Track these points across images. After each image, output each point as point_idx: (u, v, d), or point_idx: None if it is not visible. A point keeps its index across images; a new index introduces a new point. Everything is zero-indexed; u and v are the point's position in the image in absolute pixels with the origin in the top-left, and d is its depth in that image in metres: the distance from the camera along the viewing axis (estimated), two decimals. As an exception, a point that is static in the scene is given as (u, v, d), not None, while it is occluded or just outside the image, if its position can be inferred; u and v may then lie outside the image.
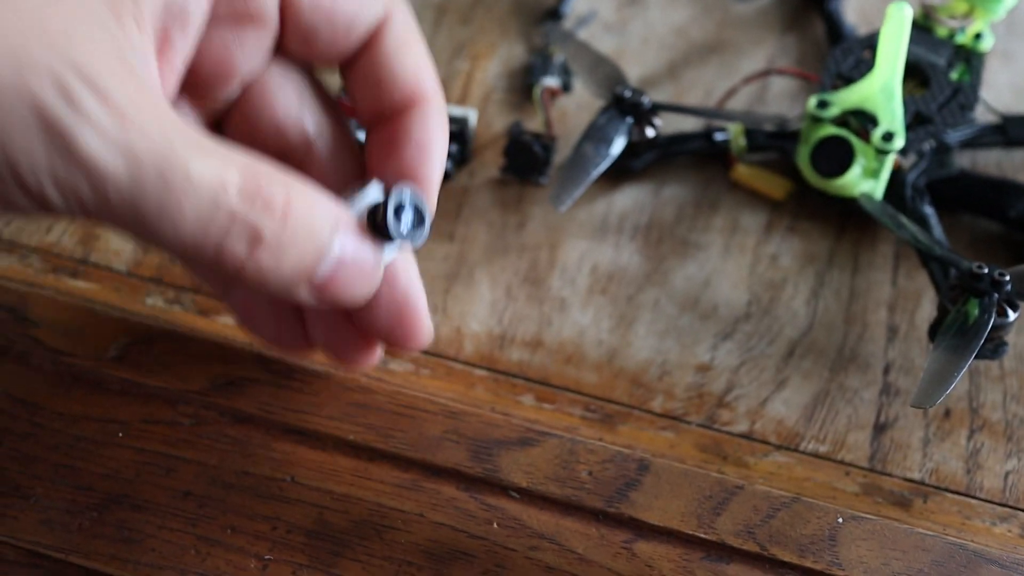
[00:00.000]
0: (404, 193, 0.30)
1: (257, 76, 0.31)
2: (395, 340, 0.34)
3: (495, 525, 0.36)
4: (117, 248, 0.44)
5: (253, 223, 0.25)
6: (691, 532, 0.36)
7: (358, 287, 0.29)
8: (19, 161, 0.22)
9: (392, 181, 0.31)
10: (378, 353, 0.36)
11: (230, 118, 0.32)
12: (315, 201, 0.27)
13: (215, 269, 0.26)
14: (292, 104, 0.32)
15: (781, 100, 0.51)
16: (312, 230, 0.27)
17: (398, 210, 0.30)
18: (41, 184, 0.23)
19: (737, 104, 0.51)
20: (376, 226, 0.30)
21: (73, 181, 0.23)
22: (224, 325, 0.42)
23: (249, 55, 0.30)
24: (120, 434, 0.38)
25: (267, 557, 0.36)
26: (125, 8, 0.24)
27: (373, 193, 0.30)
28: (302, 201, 0.26)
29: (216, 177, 0.24)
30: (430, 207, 0.31)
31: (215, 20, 0.29)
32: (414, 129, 0.31)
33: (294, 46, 0.31)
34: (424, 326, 0.34)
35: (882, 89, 0.43)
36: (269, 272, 0.26)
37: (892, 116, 0.43)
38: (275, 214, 0.25)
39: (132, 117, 0.23)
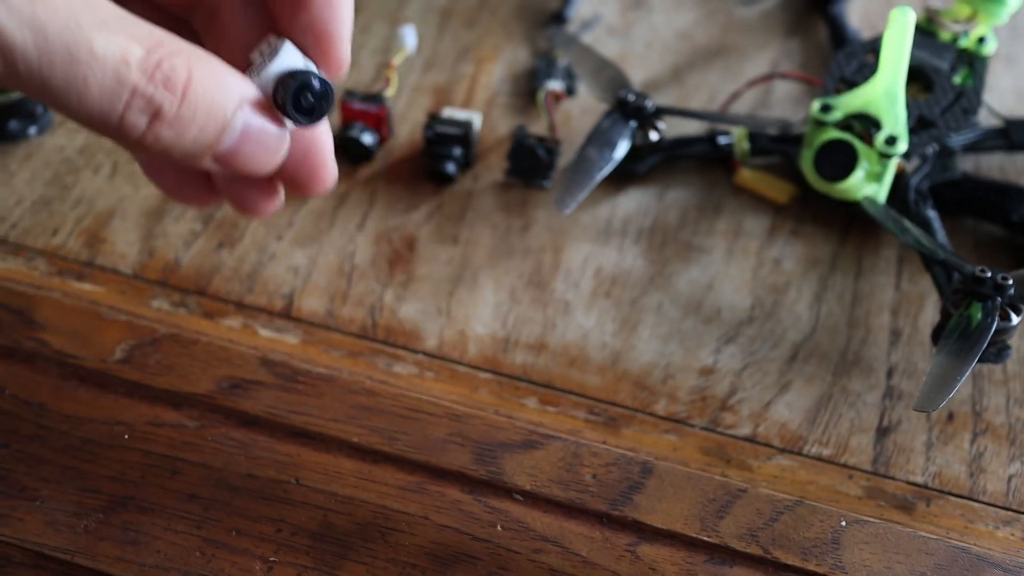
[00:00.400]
0: (307, 75, 0.30)
1: None
2: (299, 184, 0.33)
3: (499, 528, 0.36)
4: (123, 251, 0.44)
5: (153, 98, 0.26)
6: (694, 535, 0.36)
7: (262, 160, 0.30)
8: None
9: (300, 39, 0.31)
10: (280, 198, 0.35)
11: None
12: (218, 77, 0.28)
13: (118, 139, 0.27)
14: None
15: (784, 104, 0.52)
16: (213, 106, 0.28)
17: (301, 89, 0.30)
18: None
19: (741, 108, 0.51)
20: (279, 106, 0.30)
21: None
22: (229, 329, 0.42)
23: None
24: (126, 436, 0.38)
25: (272, 559, 0.36)
26: None
27: (283, 61, 0.30)
28: (204, 77, 0.27)
29: (119, 52, 0.25)
30: (334, 81, 0.31)
31: None
32: None
33: None
34: (329, 168, 0.33)
35: (885, 93, 0.43)
36: (170, 144, 0.27)
37: (895, 120, 0.43)
38: (176, 90, 0.26)
39: None
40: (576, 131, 0.49)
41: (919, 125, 0.46)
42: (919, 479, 0.39)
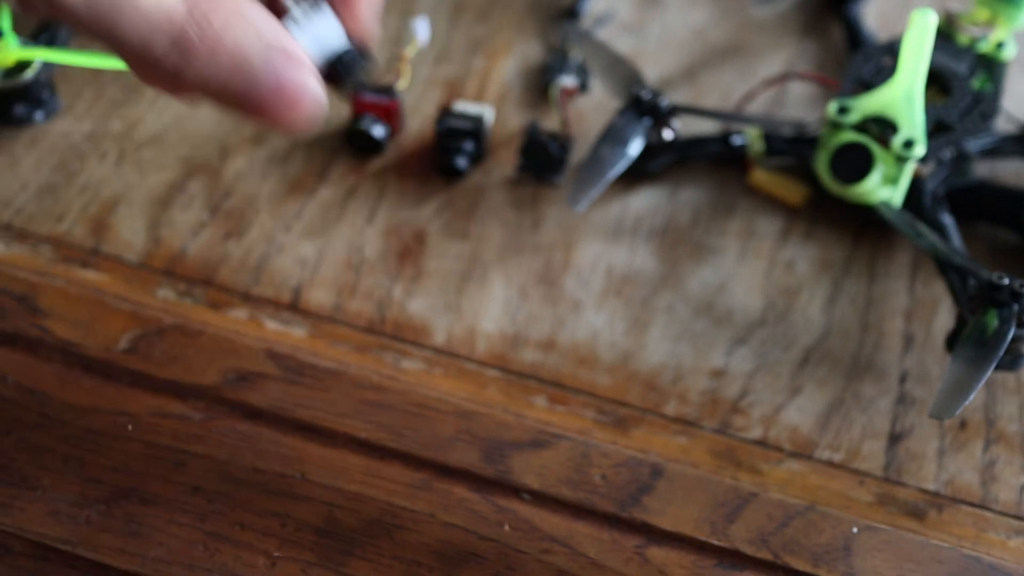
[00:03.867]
0: (352, 53, 0.30)
1: None
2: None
3: (506, 527, 0.36)
4: (129, 239, 0.44)
5: (185, 32, 0.26)
6: (704, 539, 0.36)
7: (292, 111, 0.29)
8: None
9: None
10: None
11: None
12: (249, 21, 0.28)
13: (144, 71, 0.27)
14: None
15: (799, 104, 0.51)
16: (241, 47, 0.27)
17: (346, 59, 0.30)
18: None
19: (755, 108, 0.50)
20: (325, 74, 0.30)
21: None
22: (235, 320, 0.41)
23: None
24: (130, 427, 0.37)
25: (276, 554, 0.35)
26: None
27: (325, 24, 0.30)
28: (236, 20, 0.27)
29: None
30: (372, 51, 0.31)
31: None
32: None
33: None
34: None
35: (904, 96, 0.43)
36: (196, 82, 0.28)
37: (913, 123, 0.43)
38: (207, 26, 0.27)
39: None
40: (589, 127, 0.49)
41: (936, 129, 0.45)
42: (931, 486, 0.39)
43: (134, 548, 0.35)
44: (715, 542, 0.35)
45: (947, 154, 0.45)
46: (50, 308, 0.40)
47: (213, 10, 0.27)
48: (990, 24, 0.47)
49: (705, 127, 0.49)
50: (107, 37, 0.26)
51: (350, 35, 0.31)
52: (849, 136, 0.44)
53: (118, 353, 0.39)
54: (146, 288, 0.42)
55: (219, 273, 0.43)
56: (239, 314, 0.41)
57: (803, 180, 0.47)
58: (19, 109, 0.47)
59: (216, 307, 0.42)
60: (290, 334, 0.41)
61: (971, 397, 0.35)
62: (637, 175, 0.47)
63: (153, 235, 0.44)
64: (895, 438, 0.40)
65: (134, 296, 0.41)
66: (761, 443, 0.40)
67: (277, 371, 0.39)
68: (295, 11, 0.30)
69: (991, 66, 0.47)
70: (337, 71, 0.30)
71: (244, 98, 0.28)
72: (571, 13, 0.53)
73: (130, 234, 0.44)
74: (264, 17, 0.28)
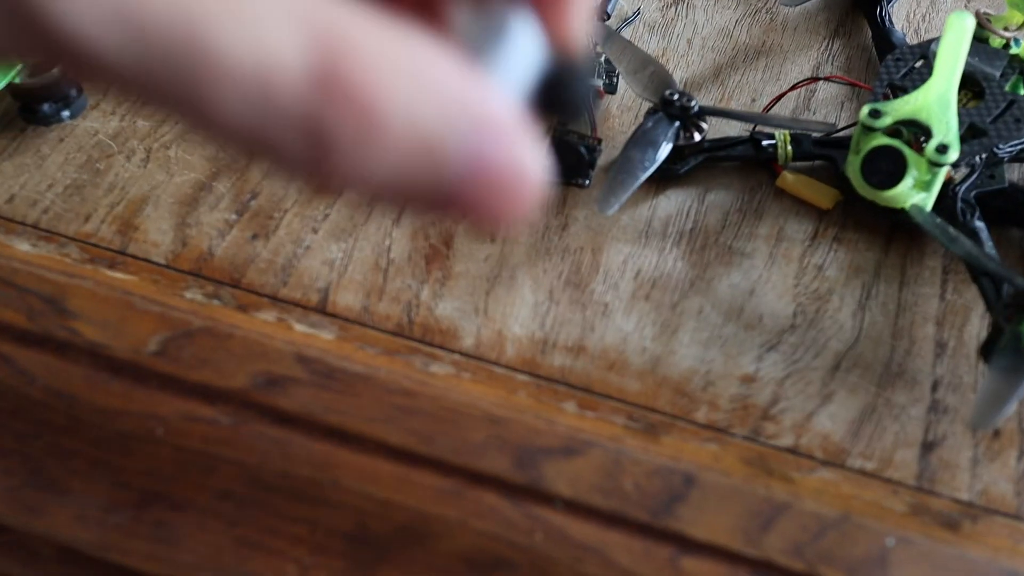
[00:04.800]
0: (571, 70, 0.20)
1: None
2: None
3: (538, 536, 0.36)
4: (156, 239, 0.43)
5: (323, 118, 0.17)
6: (738, 549, 0.35)
7: (502, 205, 0.19)
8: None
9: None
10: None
11: None
12: (427, 82, 0.18)
13: (275, 164, 0.18)
14: None
15: (827, 107, 0.51)
16: (416, 129, 0.18)
17: (566, 83, 0.20)
18: (10, 47, 0.16)
19: (783, 110, 0.50)
20: (548, 109, 0.20)
21: (48, 57, 0.17)
22: (264, 322, 0.41)
23: None
24: (159, 431, 0.37)
25: (306, 561, 0.35)
26: None
27: (526, 47, 0.20)
28: (405, 83, 0.17)
29: (265, 54, 0.16)
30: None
31: None
32: None
33: None
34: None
35: (938, 100, 0.42)
36: (355, 182, 0.18)
37: (947, 128, 0.42)
38: (354, 105, 0.17)
39: None
40: (616, 129, 0.48)
41: (969, 134, 0.45)
42: (965, 496, 0.38)
43: (163, 553, 0.35)
44: (749, 553, 0.35)
45: (979, 159, 0.45)
46: (79, 310, 0.40)
47: (360, 68, 0.17)
48: (1023, 27, 0.47)
49: (733, 129, 0.48)
50: (193, 115, 0.17)
51: (558, 47, 0.21)
52: (882, 140, 0.43)
53: (147, 355, 0.39)
54: (174, 289, 0.42)
55: (247, 274, 0.43)
56: (267, 316, 0.41)
57: (833, 183, 0.47)
58: (46, 107, 0.46)
59: (244, 309, 0.41)
60: (319, 337, 0.41)
61: (1011, 407, 0.35)
62: (666, 177, 0.47)
63: (180, 235, 0.44)
64: (928, 447, 0.40)
65: (162, 298, 0.41)
66: (792, 451, 0.39)
67: (306, 375, 0.38)
68: (473, 29, 0.19)
69: (1024, 70, 0.46)
70: (554, 102, 0.20)
71: (429, 194, 0.18)
72: (599, 13, 0.53)
73: (157, 234, 0.44)
74: (443, 64, 0.18)
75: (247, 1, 0.16)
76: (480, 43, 0.19)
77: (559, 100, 0.20)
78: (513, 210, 0.19)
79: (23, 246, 0.42)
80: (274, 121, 0.17)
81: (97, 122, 0.47)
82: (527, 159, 0.19)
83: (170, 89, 0.16)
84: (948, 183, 0.45)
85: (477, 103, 0.18)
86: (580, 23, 0.21)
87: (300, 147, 0.17)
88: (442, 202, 0.19)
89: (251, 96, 0.16)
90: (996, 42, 0.47)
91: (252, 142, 0.17)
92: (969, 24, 0.41)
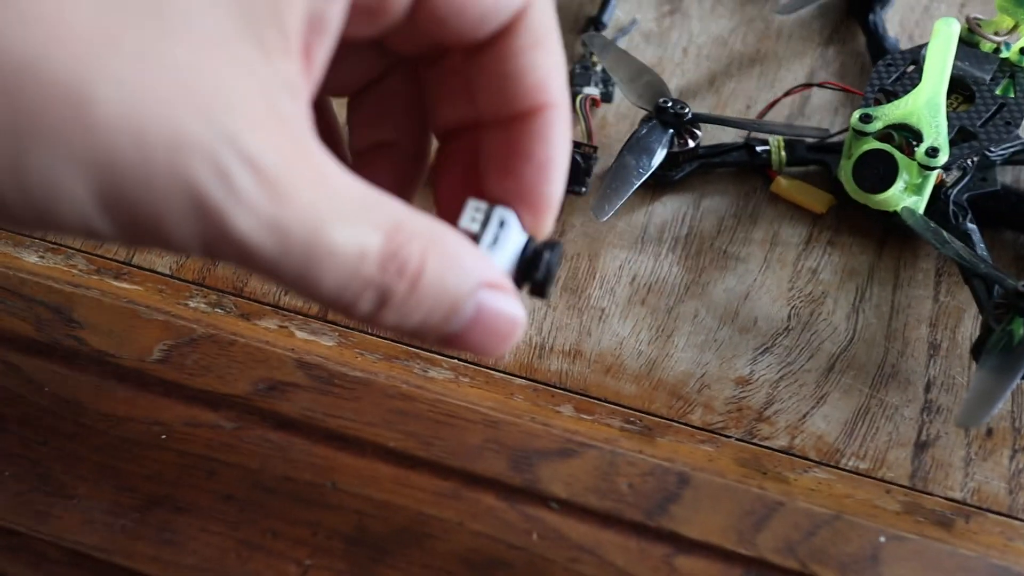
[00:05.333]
0: (551, 252, 0.29)
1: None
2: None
3: (535, 536, 0.36)
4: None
5: (384, 287, 0.25)
6: (731, 548, 0.36)
7: (492, 344, 0.28)
8: (171, 233, 0.22)
9: (510, 201, 0.29)
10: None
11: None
12: (453, 260, 0.26)
13: (338, 312, 0.26)
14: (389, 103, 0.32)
15: (821, 113, 0.51)
16: (443, 292, 0.26)
17: (548, 268, 0.29)
18: (188, 247, 0.23)
19: (777, 116, 0.51)
20: (527, 282, 0.29)
21: (221, 250, 0.23)
22: (265, 330, 0.42)
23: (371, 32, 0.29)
24: (163, 436, 0.38)
25: (307, 562, 0.36)
26: (272, 41, 0.23)
27: (514, 236, 0.29)
28: (438, 261, 0.26)
29: (358, 247, 0.24)
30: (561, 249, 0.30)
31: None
32: (536, 143, 0.29)
33: (416, 36, 0.29)
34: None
35: (927, 104, 0.43)
36: (392, 326, 0.26)
37: (937, 131, 0.43)
38: (407, 277, 0.25)
39: (284, 189, 0.23)
40: (612, 137, 0.49)
41: (960, 137, 0.45)
42: (958, 495, 0.39)
43: (168, 556, 0.36)
44: (742, 551, 0.36)
45: (971, 161, 0.45)
46: (85, 319, 0.40)
47: (417, 256, 0.25)
48: (1013, 31, 0.47)
49: (728, 135, 0.49)
50: (300, 289, 0.24)
51: (534, 236, 0.30)
52: (873, 144, 0.44)
53: (151, 363, 0.39)
54: (178, 298, 0.43)
55: (249, 283, 0.43)
56: (269, 324, 0.42)
57: (826, 188, 0.47)
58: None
59: (246, 317, 0.42)
60: (319, 343, 0.41)
61: (998, 406, 0.36)
62: (661, 184, 0.47)
63: (183, 246, 0.45)
64: (921, 446, 0.40)
65: (166, 307, 0.42)
66: (787, 451, 0.40)
67: (307, 381, 0.39)
68: (487, 235, 0.28)
69: (1015, 73, 0.47)
70: (538, 278, 0.29)
71: (446, 338, 0.27)
72: (594, 22, 0.54)
73: (161, 245, 0.44)
74: (470, 251, 0.27)
75: (346, 210, 0.24)
76: (482, 230, 0.28)
77: (535, 272, 0.29)
78: (504, 344, 0.28)
79: (31, 258, 0.43)
80: (356, 290, 0.25)
81: (103, 136, 0.48)
82: (519, 314, 0.28)
83: (290, 270, 0.24)
84: (940, 186, 0.45)
85: (489, 278, 0.27)
86: (549, 222, 0.30)
87: (367, 306, 0.25)
88: (458, 343, 0.27)
89: (345, 274, 0.24)
90: (987, 46, 0.48)
91: (336, 301, 0.25)
92: (955, 30, 0.41)
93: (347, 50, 0.29)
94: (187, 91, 0.22)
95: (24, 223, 0.22)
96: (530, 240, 0.29)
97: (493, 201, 0.29)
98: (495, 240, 0.28)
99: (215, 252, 0.23)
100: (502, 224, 0.28)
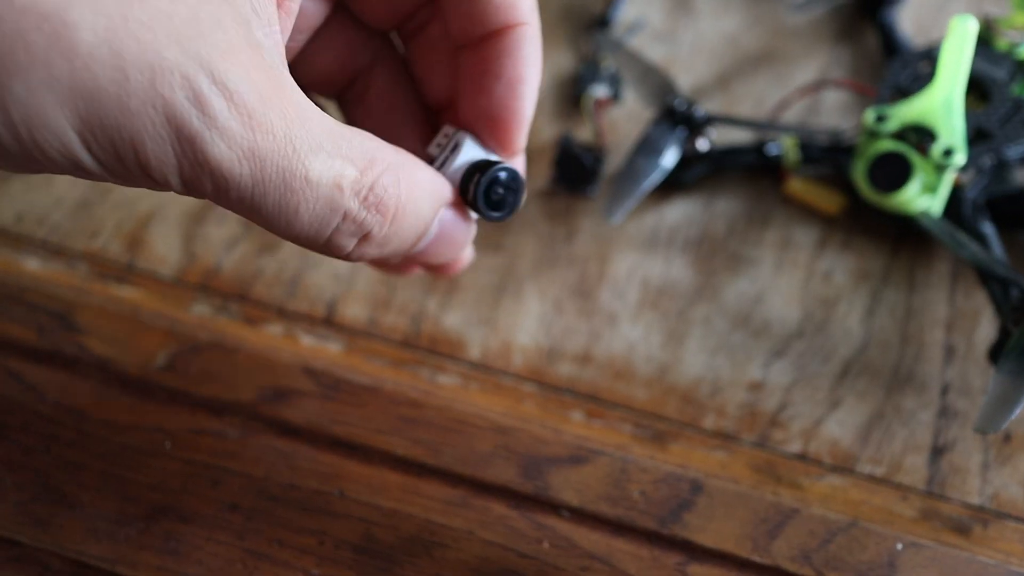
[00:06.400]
0: (496, 170, 0.30)
1: None
2: (432, 267, 0.35)
3: (545, 544, 0.36)
4: (163, 255, 0.44)
5: (364, 222, 0.26)
6: (746, 556, 0.35)
7: (447, 254, 0.30)
8: (149, 161, 0.23)
9: (475, 122, 0.31)
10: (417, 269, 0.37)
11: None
12: (421, 186, 0.28)
13: (319, 251, 0.27)
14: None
15: (834, 112, 0.50)
16: (417, 219, 0.28)
17: (491, 184, 0.30)
18: (167, 177, 0.23)
19: (790, 116, 0.50)
20: (469, 202, 0.30)
21: (199, 179, 0.23)
22: (271, 336, 0.41)
23: None
24: (167, 444, 0.37)
25: (314, 572, 0.35)
26: None
27: (466, 154, 0.30)
28: (411, 191, 0.27)
29: (334, 178, 0.25)
30: (522, 175, 0.31)
31: None
32: (506, 61, 0.30)
33: None
34: (465, 255, 0.34)
35: (943, 103, 0.42)
36: (372, 257, 0.28)
37: (953, 131, 0.42)
38: (387, 212, 0.26)
39: (259, 117, 0.23)
40: (622, 138, 0.48)
41: (976, 137, 0.44)
42: (975, 501, 0.38)
43: (173, 566, 0.35)
44: (757, 559, 0.35)
45: (987, 162, 0.44)
46: (87, 325, 0.40)
47: (391, 188, 0.26)
48: (1029, 29, 0.47)
49: (739, 136, 0.48)
50: (278, 223, 0.25)
51: (502, 157, 0.32)
52: (887, 145, 0.43)
53: (155, 370, 0.39)
54: (181, 304, 0.42)
55: (254, 288, 0.43)
56: (275, 330, 0.41)
57: (839, 189, 0.47)
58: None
59: (252, 323, 0.42)
60: (326, 349, 0.41)
61: (1017, 411, 0.35)
62: (671, 186, 0.47)
63: (188, 250, 0.44)
64: (938, 451, 0.40)
65: (170, 312, 0.41)
66: (801, 457, 0.39)
67: (313, 387, 0.39)
68: (437, 153, 0.31)
69: (1031, 72, 0.46)
70: (496, 198, 0.31)
71: (409, 259, 0.29)
72: (602, 22, 0.53)
73: (164, 249, 0.44)
74: (430, 175, 0.28)
75: (321, 141, 0.24)
76: (440, 155, 0.31)
77: (468, 192, 0.30)
78: (458, 252, 0.31)
79: (32, 263, 0.43)
80: (334, 223, 0.25)
81: (106, 139, 0.48)
82: (464, 227, 0.31)
83: (267, 201, 0.24)
84: (956, 187, 0.44)
85: (444, 194, 0.29)
86: (520, 139, 0.32)
87: (346, 240, 0.26)
88: (418, 263, 0.30)
89: (322, 205, 0.25)
90: (1002, 44, 0.47)
91: (313, 236, 0.25)
92: (972, 27, 0.40)
93: (327, 31, 0.31)
94: (164, 17, 0.22)
95: (9, 158, 0.22)
96: (484, 161, 0.31)
97: (463, 125, 0.31)
98: (443, 163, 0.30)
99: (193, 183, 0.23)
100: (455, 148, 0.30)
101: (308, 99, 0.25)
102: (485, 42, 0.31)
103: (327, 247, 0.26)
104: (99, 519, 0.36)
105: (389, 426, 0.38)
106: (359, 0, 0.32)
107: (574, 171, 0.46)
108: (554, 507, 0.36)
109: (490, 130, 0.31)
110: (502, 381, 0.41)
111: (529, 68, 0.31)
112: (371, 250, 0.27)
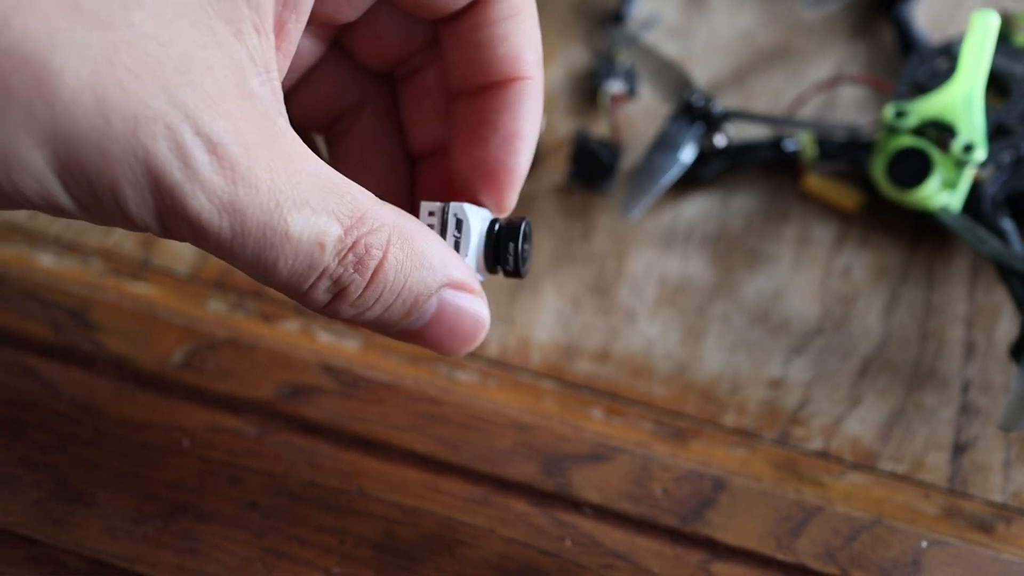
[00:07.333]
0: (524, 229, 0.29)
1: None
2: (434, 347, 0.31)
3: (568, 542, 0.35)
4: (178, 251, 0.43)
5: (340, 278, 0.25)
6: (769, 554, 0.35)
7: (453, 344, 0.28)
8: (128, 206, 0.22)
9: (475, 173, 0.30)
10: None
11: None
12: (419, 257, 0.26)
13: (297, 301, 0.26)
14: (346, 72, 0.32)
15: (851, 108, 0.50)
16: (405, 290, 0.26)
17: (525, 240, 0.29)
18: (146, 222, 0.23)
19: (806, 112, 0.50)
20: (510, 271, 0.29)
21: (177, 227, 0.23)
22: (288, 332, 0.41)
23: (349, 10, 0.29)
24: (185, 442, 0.37)
25: (335, 570, 0.35)
26: (243, 18, 0.23)
27: (475, 226, 0.29)
28: (401, 257, 0.26)
29: (316, 235, 0.24)
30: (530, 229, 0.30)
31: None
32: (505, 115, 0.29)
33: (390, 27, 0.30)
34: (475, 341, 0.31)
35: (963, 99, 0.42)
36: (350, 318, 0.27)
37: (973, 127, 0.42)
38: (365, 272, 0.25)
39: (243, 171, 0.23)
40: (639, 134, 0.48)
41: (996, 133, 0.44)
42: (998, 498, 0.38)
43: (191, 565, 0.35)
44: (781, 557, 0.35)
45: (1007, 158, 0.44)
46: (103, 322, 0.40)
47: (377, 249, 0.25)
48: (1048, 24, 0.47)
49: (756, 132, 0.48)
50: (256, 272, 0.24)
51: (500, 216, 0.30)
52: (907, 140, 0.43)
53: (172, 367, 0.39)
54: (197, 301, 0.42)
55: (270, 285, 0.43)
56: (291, 326, 0.41)
57: (858, 185, 0.46)
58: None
59: (268, 319, 0.41)
60: (343, 346, 0.41)
61: (1043, 408, 0.35)
62: (689, 182, 0.46)
63: (203, 247, 0.44)
64: (959, 449, 0.39)
65: (186, 309, 0.41)
66: (822, 454, 0.39)
67: (332, 384, 0.38)
68: (447, 238, 0.28)
69: (1050, 67, 0.46)
70: (509, 266, 0.29)
71: (409, 333, 0.27)
72: (617, 17, 0.53)
73: (180, 246, 0.44)
74: (438, 248, 0.27)
75: (307, 196, 0.24)
76: (442, 231, 0.28)
77: (505, 260, 0.29)
78: (467, 344, 0.29)
79: (47, 260, 0.42)
80: (312, 277, 0.25)
81: (119, 135, 0.47)
82: (483, 313, 0.28)
83: (245, 252, 0.24)
84: (976, 183, 0.44)
85: (454, 275, 0.27)
86: (512, 196, 0.30)
87: (321, 295, 0.25)
88: (420, 340, 0.28)
89: (300, 262, 0.24)
90: (1020, 39, 0.47)
91: (291, 288, 0.25)
92: (993, 22, 0.40)
93: (320, 69, 0.30)
94: (150, 64, 0.21)
95: None
96: (495, 221, 0.29)
97: (455, 173, 0.30)
98: (455, 243, 0.28)
99: (170, 229, 0.23)
100: (459, 224, 0.28)
101: (306, 148, 0.25)
102: (485, 92, 0.30)
103: (304, 299, 0.26)
104: (116, 517, 0.36)
105: (408, 423, 0.37)
106: (356, 40, 0.31)
107: (591, 167, 0.46)
108: (576, 505, 0.36)
109: (483, 184, 0.30)
110: (520, 378, 0.41)
111: (528, 124, 0.30)
112: (346, 309, 0.26)
